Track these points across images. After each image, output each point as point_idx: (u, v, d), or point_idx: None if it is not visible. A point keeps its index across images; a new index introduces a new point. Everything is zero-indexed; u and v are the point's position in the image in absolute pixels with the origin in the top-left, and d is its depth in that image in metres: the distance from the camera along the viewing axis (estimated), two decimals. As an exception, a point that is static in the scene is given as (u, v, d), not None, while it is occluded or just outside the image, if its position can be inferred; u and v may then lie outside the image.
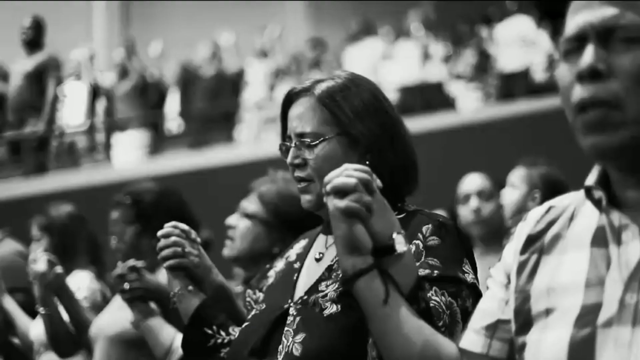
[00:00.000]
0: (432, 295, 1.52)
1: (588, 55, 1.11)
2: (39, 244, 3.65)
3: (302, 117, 1.72)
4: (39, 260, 3.04)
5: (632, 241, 1.12)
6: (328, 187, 1.37)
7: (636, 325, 1.07)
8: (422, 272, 1.54)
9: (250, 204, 2.62)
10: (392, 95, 8.92)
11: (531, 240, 1.27)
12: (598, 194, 1.18)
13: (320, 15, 14.00)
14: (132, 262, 2.46)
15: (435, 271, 1.55)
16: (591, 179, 1.20)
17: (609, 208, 1.16)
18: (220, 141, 9.40)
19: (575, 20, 1.15)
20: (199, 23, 12.60)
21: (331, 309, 1.61)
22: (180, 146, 9.69)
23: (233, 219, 2.67)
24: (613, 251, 1.14)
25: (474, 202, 3.52)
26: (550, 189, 3.17)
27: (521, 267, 1.26)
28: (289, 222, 2.53)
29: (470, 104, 8.94)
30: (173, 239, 1.94)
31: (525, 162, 3.42)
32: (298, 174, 1.72)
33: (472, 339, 1.31)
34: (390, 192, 1.70)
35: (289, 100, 1.77)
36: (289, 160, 1.73)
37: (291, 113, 1.75)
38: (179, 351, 2.42)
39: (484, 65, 8.99)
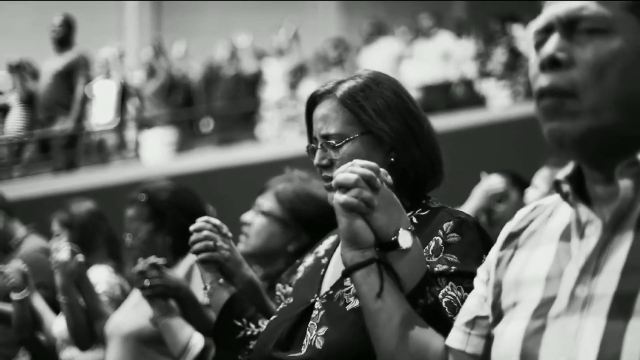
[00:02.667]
0: (448, 290, 1.54)
1: (549, 44, 1.14)
2: (58, 239, 3.70)
3: (326, 118, 1.74)
4: (61, 249, 3.07)
5: (594, 235, 1.14)
6: (332, 182, 1.41)
7: (583, 316, 1.09)
8: (440, 267, 1.57)
9: (267, 202, 2.62)
10: (415, 93, 8.90)
11: (511, 237, 1.30)
12: (565, 187, 1.19)
13: (351, 14, 14.01)
14: (153, 259, 2.48)
15: (453, 267, 1.57)
16: (562, 173, 1.21)
17: (577, 202, 1.18)
18: (243, 140, 9.44)
19: (546, 13, 1.18)
20: (232, 22, 12.64)
21: (354, 303, 1.63)
22: (206, 144, 9.74)
23: (249, 216, 2.68)
24: (574, 245, 1.16)
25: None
26: None
27: (498, 262, 1.30)
28: (304, 220, 2.55)
29: (500, 102, 8.89)
30: (205, 233, 2.00)
31: (550, 162, 3.39)
32: (325, 174, 1.75)
33: (454, 335, 1.34)
34: (415, 187, 1.72)
35: (313, 102, 1.79)
36: (316, 161, 1.76)
37: (315, 115, 1.78)
38: (195, 349, 2.44)
39: (514, 63, 8.94)
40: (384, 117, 1.71)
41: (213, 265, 1.99)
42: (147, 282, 2.43)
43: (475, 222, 1.66)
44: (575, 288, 1.11)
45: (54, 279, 3.14)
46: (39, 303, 3.43)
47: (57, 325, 3.38)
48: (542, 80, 1.13)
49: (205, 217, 2.04)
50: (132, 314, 2.82)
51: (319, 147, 1.75)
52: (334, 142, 1.72)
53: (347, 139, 1.72)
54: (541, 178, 3.36)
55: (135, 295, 2.92)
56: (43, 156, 8.06)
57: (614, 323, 1.05)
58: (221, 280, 1.97)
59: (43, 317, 3.43)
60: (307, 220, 2.52)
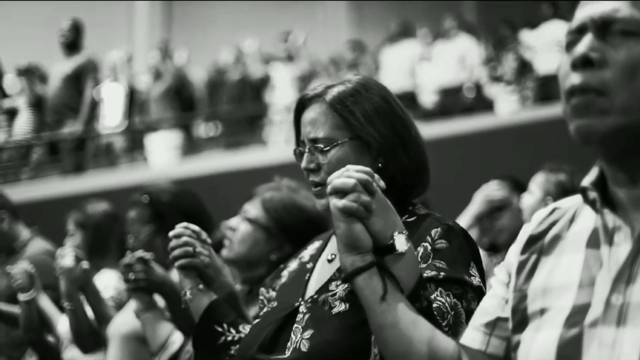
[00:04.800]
0: (437, 296, 1.55)
1: (583, 44, 1.15)
2: (72, 239, 3.70)
3: (315, 122, 1.75)
4: (66, 255, 3.08)
5: (624, 243, 1.14)
6: (328, 188, 1.41)
7: (620, 326, 1.09)
8: (429, 273, 1.57)
9: (253, 209, 2.60)
10: (430, 97, 8.87)
11: (532, 241, 1.30)
12: (592, 194, 1.20)
13: (361, 16, 14.01)
14: (140, 252, 2.48)
15: (442, 273, 1.58)
16: (587, 179, 1.22)
17: (604, 209, 1.18)
18: (251, 144, 9.46)
19: (579, 15, 1.19)
20: (243, 23, 12.65)
21: (340, 307, 1.64)
22: (213, 148, 9.76)
23: (234, 221, 2.66)
24: (604, 252, 1.17)
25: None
26: (563, 197, 3.10)
27: (521, 266, 1.29)
28: (288, 231, 2.52)
29: (509, 107, 8.87)
30: (184, 239, 2.00)
31: (547, 167, 3.37)
32: (312, 178, 1.75)
33: (472, 335, 1.34)
34: (402, 193, 1.73)
35: (302, 105, 1.79)
36: (303, 165, 1.76)
37: (304, 118, 1.78)
38: (173, 347, 2.44)
39: (522, 68, 8.92)
40: (373, 123, 1.72)
41: (192, 272, 1.99)
42: (131, 276, 2.44)
43: (462, 229, 1.67)
44: (610, 296, 1.12)
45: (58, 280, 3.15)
46: (46, 304, 3.43)
47: (62, 324, 3.39)
48: (574, 79, 1.14)
49: (184, 223, 2.04)
50: (132, 315, 2.84)
51: (307, 150, 1.75)
52: (322, 146, 1.72)
53: (336, 143, 1.72)
54: (536, 184, 3.34)
55: None
56: (52, 159, 8.12)
57: None
58: (201, 286, 1.97)
59: (51, 318, 3.44)
60: (291, 231, 2.50)
